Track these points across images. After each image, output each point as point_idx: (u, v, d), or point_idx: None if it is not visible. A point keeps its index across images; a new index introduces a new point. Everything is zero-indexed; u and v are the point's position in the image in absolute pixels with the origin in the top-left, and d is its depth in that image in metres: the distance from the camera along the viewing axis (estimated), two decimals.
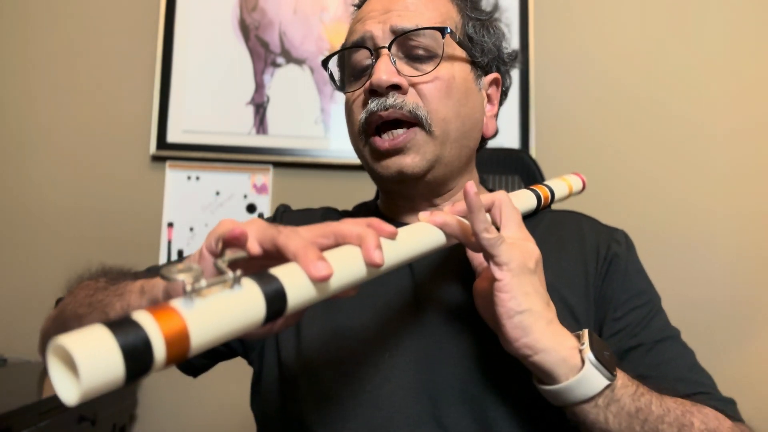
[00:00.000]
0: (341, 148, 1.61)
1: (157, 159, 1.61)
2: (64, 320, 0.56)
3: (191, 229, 1.59)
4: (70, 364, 0.28)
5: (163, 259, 1.57)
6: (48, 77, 1.63)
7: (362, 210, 0.79)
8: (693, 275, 1.57)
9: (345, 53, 0.72)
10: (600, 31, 1.67)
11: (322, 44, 1.65)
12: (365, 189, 1.54)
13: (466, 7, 0.71)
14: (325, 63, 0.74)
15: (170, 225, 1.59)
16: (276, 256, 0.39)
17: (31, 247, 1.58)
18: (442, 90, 0.65)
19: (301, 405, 0.60)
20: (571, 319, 0.62)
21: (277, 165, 1.61)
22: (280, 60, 1.64)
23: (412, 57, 0.66)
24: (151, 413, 1.51)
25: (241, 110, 1.62)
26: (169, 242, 1.58)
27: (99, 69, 1.64)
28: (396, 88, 0.64)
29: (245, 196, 1.60)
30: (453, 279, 0.65)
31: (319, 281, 0.36)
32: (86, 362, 0.27)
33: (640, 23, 1.67)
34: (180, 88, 1.62)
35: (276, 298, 0.35)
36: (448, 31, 0.65)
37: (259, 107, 1.63)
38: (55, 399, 1.07)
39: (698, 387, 0.58)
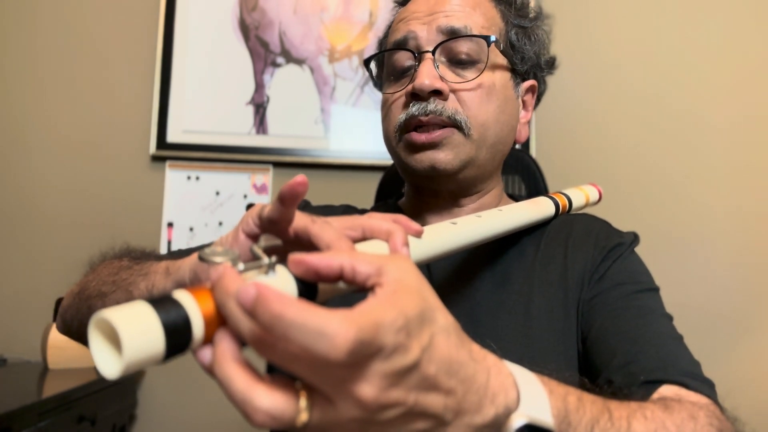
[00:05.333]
0: (341, 148, 1.61)
1: (157, 159, 1.61)
2: (87, 297, 0.57)
3: (191, 229, 1.59)
4: (112, 337, 0.29)
5: None
6: (48, 77, 1.63)
7: (382, 209, 0.78)
8: (692, 274, 1.56)
9: (384, 52, 0.72)
10: (600, 30, 1.67)
11: (322, 44, 1.65)
12: (365, 189, 1.55)
13: (509, 14, 0.71)
14: (367, 63, 0.75)
15: (170, 225, 1.59)
16: (307, 244, 0.40)
17: (31, 247, 1.58)
18: (482, 97, 0.66)
19: None
20: (563, 315, 0.62)
21: (277, 165, 1.61)
22: (280, 60, 1.64)
23: (455, 61, 0.66)
24: (151, 413, 1.51)
25: (241, 110, 1.62)
26: (169, 242, 1.58)
27: (99, 69, 1.64)
28: (438, 93, 0.64)
29: (245, 196, 1.60)
30: (471, 280, 0.66)
31: None
32: (130, 337, 0.28)
33: (641, 22, 1.67)
34: (180, 88, 1.62)
35: (308, 287, 0.35)
36: (494, 40, 0.66)
37: (259, 107, 1.63)
38: (54, 399, 1.07)
39: (672, 374, 0.53)
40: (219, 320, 0.31)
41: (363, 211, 0.78)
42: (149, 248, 0.64)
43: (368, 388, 0.27)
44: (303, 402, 0.28)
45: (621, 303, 0.60)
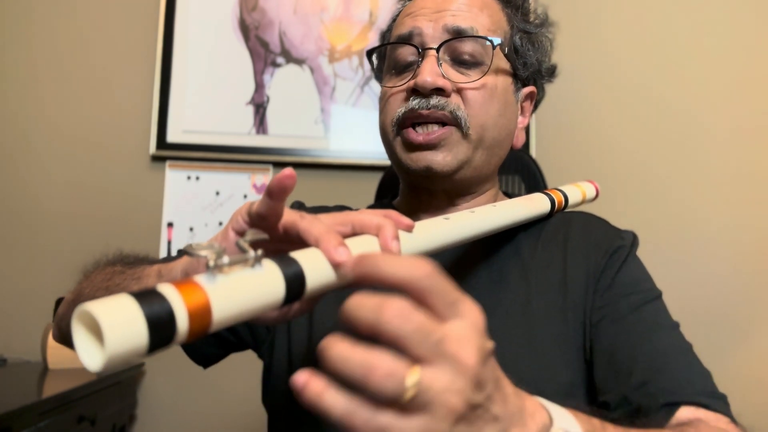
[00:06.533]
0: (341, 148, 1.61)
1: (157, 159, 1.61)
2: (81, 304, 0.57)
3: (191, 229, 1.59)
4: (95, 330, 0.29)
5: None
6: (48, 77, 1.63)
7: (377, 208, 0.78)
8: (692, 275, 1.56)
9: (387, 45, 0.72)
10: (599, 31, 1.67)
11: (322, 44, 1.65)
12: (365, 189, 1.55)
13: (516, 18, 0.71)
14: (369, 54, 0.75)
15: (170, 225, 1.59)
16: (295, 240, 0.40)
17: (31, 247, 1.58)
18: (485, 97, 0.66)
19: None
20: (561, 319, 0.62)
21: (277, 165, 1.61)
22: (280, 60, 1.64)
23: (458, 61, 0.66)
24: (151, 413, 1.51)
25: (241, 110, 1.62)
26: (169, 242, 1.58)
27: (99, 69, 1.64)
28: (439, 90, 0.64)
29: (245, 196, 1.60)
30: (467, 278, 0.65)
31: (339, 266, 0.37)
32: (112, 329, 0.28)
33: (640, 24, 1.67)
34: (180, 88, 1.62)
35: (295, 280, 0.35)
36: (499, 43, 0.66)
37: (259, 107, 1.63)
38: (54, 399, 1.07)
39: (690, 394, 0.54)
40: (204, 313, 0.31)
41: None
42: (143, 253, 0.64)
43: (470, 354, 0.30)
44: (415, 374, 0.29)
45: (632, 317, 0.60)
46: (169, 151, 1.59)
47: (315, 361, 0.61)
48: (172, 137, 1.60)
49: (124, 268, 0.55)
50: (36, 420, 1.00)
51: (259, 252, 0.34)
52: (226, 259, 0.33)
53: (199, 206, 1.59)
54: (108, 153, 1.61)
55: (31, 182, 1.60)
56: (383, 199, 1.04)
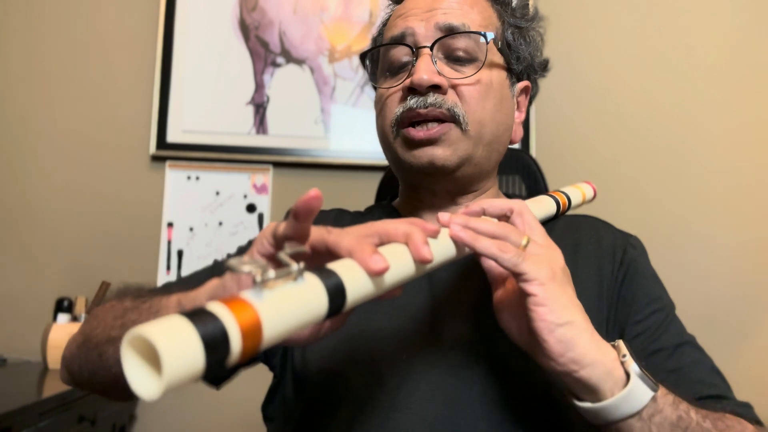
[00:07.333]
0: (341, 148, 1.61)
1: (157, 159, 1.61)
2: (95, 345, 0.54)
3: (191, 229, 1.59)
4: (148, 356, 0.27)
5: (162, 259, 1.57)
6: (48, 77, 1.64)
7: (376, 211, 0.78)
8: (691, 274, 1.56)
9: (381, 48, 0.72)
10: (599, 31, 1.67)
11: (322, 44, 1.65)
12: (365, 189, 1.55)
13: (506, 14, 0.71)
14: (363, 58, 0.75)
15: (170, 225, 1.59)
16: (324, 256, 0.39)
17: (31, 247, 1.58)
18: (481, 93, 0.66)
19: (317, 407, 0.60)
20: None
21: (277, 165, 1.62)
22: (280, 60, 1.64)
23: (452, 58, 0.66)
24: (151, 413, 1.51)
25: (241, 110, 1.62)
26: (169, 242, 1.58)
27: (99, 69, 1.64)
28: (436, 88, 0.64)
29: (245, 196, 1.60)
30: (469, 279, 0.65)
31: (377, 275, 0.37)
32: (170, 353, 0.26)
33: (640, 24, 1.67)
34: (180, 88, 1.62)
35: (337, 292, 0.35)
36: (492, 37, 0.66)
37: (259, 107, 1.63)
38: (54, 399, 1.07)
39: (717, 390, 0.58)
40: (256, 331, 0.30)
41: (355, 214, 0.77)
42: (147, 284, 0.61)
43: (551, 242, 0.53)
44: (526, 239, 0.49)
45: (665, 340, 0.61)
46: (169, 151, 1.59)
47: (320, 368, 0.61)
48: (172, 137, 1.60)
49: (136, 303, 0.52)
50: (36, 420, 1.00)
51: (302, 264, 0.34)
52: (272, 273, 0.32)
53: (199, 206, 1.59)
54: (108, 153, 1.62)
55: (31, 182, 1.60)
56: (383, 199, 1.03)
